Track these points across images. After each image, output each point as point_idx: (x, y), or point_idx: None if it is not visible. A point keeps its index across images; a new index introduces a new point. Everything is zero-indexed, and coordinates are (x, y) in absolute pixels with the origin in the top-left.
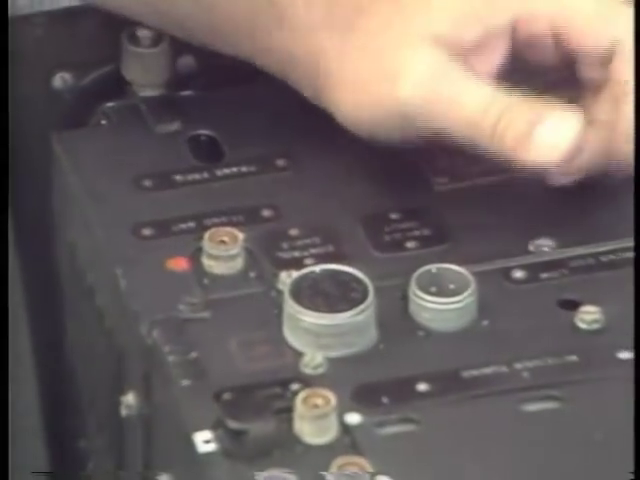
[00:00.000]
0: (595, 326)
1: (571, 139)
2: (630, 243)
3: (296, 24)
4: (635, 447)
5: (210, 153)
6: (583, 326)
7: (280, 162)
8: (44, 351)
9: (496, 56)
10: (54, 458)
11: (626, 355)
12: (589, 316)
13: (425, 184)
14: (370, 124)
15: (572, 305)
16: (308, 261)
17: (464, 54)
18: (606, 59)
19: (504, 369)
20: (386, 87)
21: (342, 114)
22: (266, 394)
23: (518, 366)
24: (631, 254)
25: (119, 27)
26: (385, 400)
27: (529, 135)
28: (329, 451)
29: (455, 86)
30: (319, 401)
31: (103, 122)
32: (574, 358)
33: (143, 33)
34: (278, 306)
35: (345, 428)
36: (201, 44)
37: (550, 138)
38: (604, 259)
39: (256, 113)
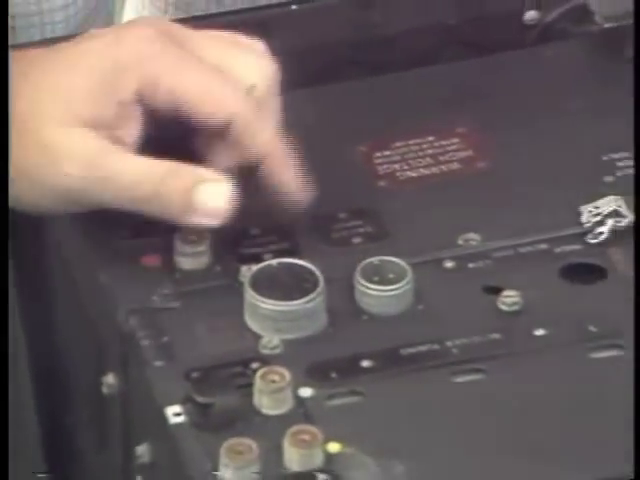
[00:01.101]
0: (514, 308)
1: (226, 202)
2: (543, 236)
3: None
4: (635, 445)
5: None
6: (504, 308)
7: None
8: (36, 337)
9: (135, 126)
10: (45, 431)
11: (541, 332)
12: (509, 299)
13: (368, 187)
14: (39, 203)
15: (495, 290)
16: (266, 256)
17: (109, 130)
18: (224, 132)
19: (436, 347)
20: (48, 170)
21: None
22: (229, 372)
23: (448, 344)
24: (545, 245)
25: None
26: (334, 375)
27: (189, 201)
28: (285, 421)
29: (107, 163)
30: (276, 377)
31: None
32: (497, 336)
33: None
34: (240, 296)
35: (299, 401)
36: None
37: (209, 202)
38: (522, 250)
39: None
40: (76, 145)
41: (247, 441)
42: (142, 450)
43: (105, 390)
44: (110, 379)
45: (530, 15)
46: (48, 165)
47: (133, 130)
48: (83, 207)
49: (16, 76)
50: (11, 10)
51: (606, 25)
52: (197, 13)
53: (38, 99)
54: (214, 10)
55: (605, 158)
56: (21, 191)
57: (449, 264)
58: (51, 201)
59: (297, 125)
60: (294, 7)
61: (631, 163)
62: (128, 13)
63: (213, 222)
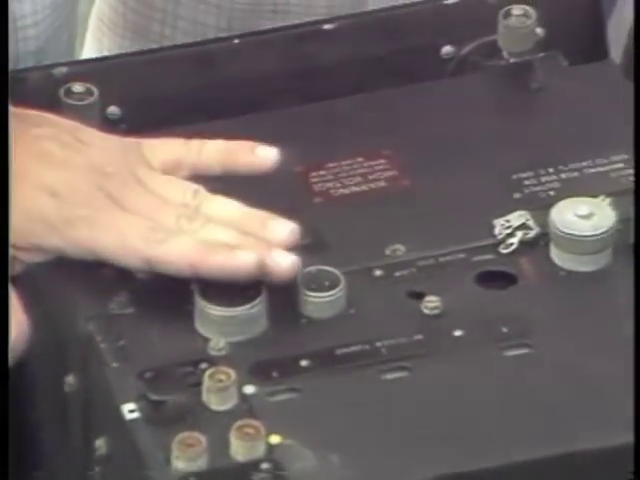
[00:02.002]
0: (435, 311)
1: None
2: (461, 247)
3: None
4: (635, 443)
5: None
6: (427, 312)
7: None
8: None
9: None
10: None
11: (459, 333)
12: (431, 304)
13: (305, 203)
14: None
15: (418, 296)
16: None
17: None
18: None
19: (367, 347)
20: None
21: None
22: (180, 372)
23: (378, 344)
24: (462, 255)
25: None
26: (275, 374)
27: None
28: (231, 416)
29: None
30: (222, 376)
31: None
32: (420, 337)
33: None
34: (190, 302)
35: (243, 397)
36: None
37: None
38: (442, 259)
39: None
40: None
41: (197, 435)
42: (100, 443)
43: (67, 389)
44: (71, 379)
45: (446, 50)
46: None
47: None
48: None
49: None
50: None
51: (512, 60)
52: (153, 37)
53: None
54: (168, 33)
55: (514, 177)
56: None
57: (378, 272)
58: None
59: None
60: (236, 41)
61: (535, 182)
62: (88, 40)
63: None
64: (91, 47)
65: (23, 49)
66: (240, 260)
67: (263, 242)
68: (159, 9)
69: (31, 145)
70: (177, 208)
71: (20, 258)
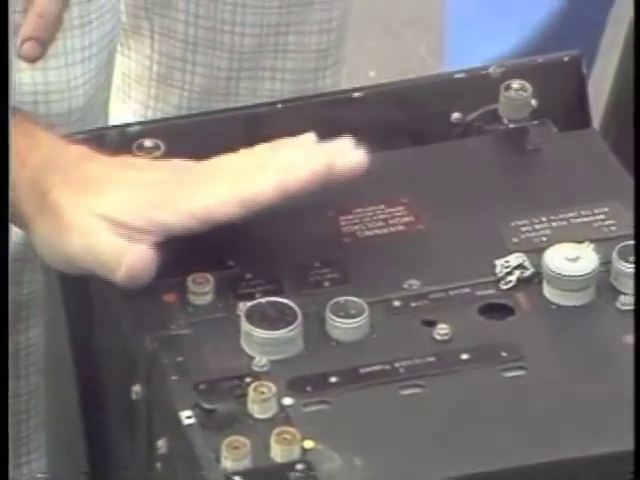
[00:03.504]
0: (445, 338)
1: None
2: (467, 282)
3: (12, 190)
4: (635, 443)
5: None
6: (438, 338)
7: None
8: (81, 354)
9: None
10: (87, 426)
11: (465, 356)
12: (442, 331)
13: (335, 242)
14: (59, 266)
15: (431, 324)
16: (258, 295)
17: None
18: None
19: (387, 367)
20: (60, 242)
21: (43, 258)
22: (229, 385)
23: (396, 365)
24: (468, 290)
25: None
26: (308, 388)
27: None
28: (271, 423)
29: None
30: (264, 389)
31: None
32: (432, 359)
33: None
34: (237, 326)
35: (282, 407)
36: None
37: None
38: (451, 293)
39: None
40: (85, 228)
41: (242, 439)
42: (161, 444)
43: (134, 396)
44: (138, 388)
45: (455, 116)
46: (62, 238)
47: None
48: (78, 269)
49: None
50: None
51: (511, 126)
52: (175, 84)
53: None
54: (188, 79)
55: (512, 224)
56: (39, 248)
57: (396, 303)
58: (58, 261)
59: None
60: (279, 106)
61: (530, 229)
62: (114, 92)
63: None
64: (118, 98)
65: (74, 105)
66: (314, 163)
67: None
68: (179, 59)
69: (123, 161)
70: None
71: (138, 239)
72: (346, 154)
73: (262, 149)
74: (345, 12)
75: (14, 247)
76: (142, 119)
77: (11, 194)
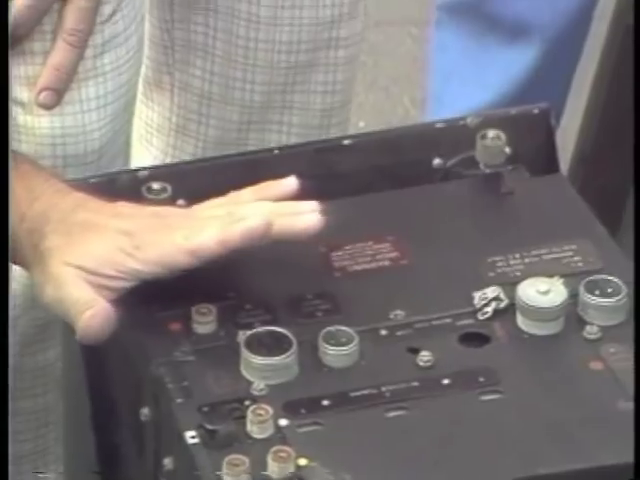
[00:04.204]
0: (428, 364)
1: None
2: (447, 313)
3: (13, 240)
4: (635, 447)
5: None
6: (421, 364)
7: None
8: (94, 377)
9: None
10: (99, 444)
11: (446, 381)
12: (425, 358)
13: (327, 276)
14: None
15: (414, 351)
16: (256, 325)
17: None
18: None
19: (374, 391)
20: (41, 291)
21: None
22: (229, 407)
23: (383, 389)
24: (449, 320)
25: None
26: (303, 411)
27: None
28: (268, 443)
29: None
30: (262, 412)
31: None
32: (416, 384)
33: None
34: (237, 353)
35: (278, 428)
36: None
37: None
38: (433, 323)
39: None
40: (61, 278)
41: (241, 457)
42: (167, 461)
43: (142, 418)
44: (146, 410)
45: (436, 162)
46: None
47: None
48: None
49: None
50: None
51: (487, 171)
52: (191, 134)
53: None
54: (203, 130)
55: (489, 260)
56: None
57: (383, 332)
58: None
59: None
60: (276, 152)
61: (505, 264)
62: (136, 139)
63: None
64: (140, 145)
65: (90, 148)
66: (256, 221)
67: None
68: (195, 111)
69: (111, 209)
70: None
71: (110, 286)
72: (300, 216)
73: (228, 199)
74: (350, 76)
75: None
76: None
77: (12, 243)
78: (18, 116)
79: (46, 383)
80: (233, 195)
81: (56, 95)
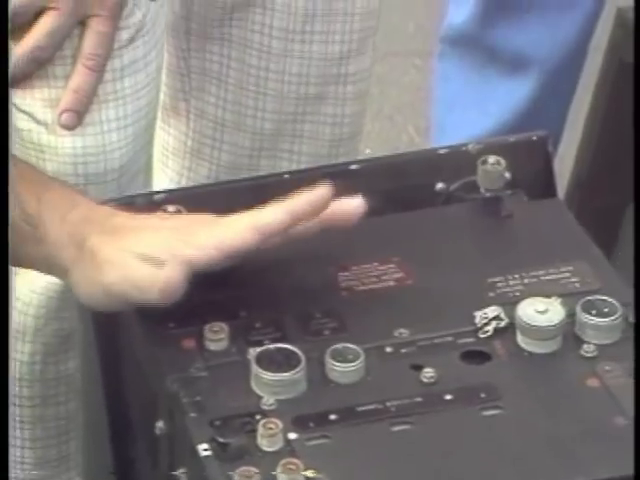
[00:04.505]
0: (431, 380)
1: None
2: (450, 331)
3: (52, 243)
4: (635, 445)
5: None
6: (425, 380)
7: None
8: (111, 391)
9: None
10: (116, 454)
11: (449, 397)
12: (428, 374)
13: (334, 295)
14: (96, 300)
15: (418, 368)
16: (266, 342)
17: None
18: None
19: (380, 406)
20: (98, 277)
21: (81, 297)
22: (240, 421)
23: (388, 404)
24: (451, 338)
25: None
26: (311, 424)
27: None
28: (278, 455)
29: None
30: (272, 425)
31: None
32: (420, 399)
33: None
34: (248, 369)
35: (287, 441)
36: None
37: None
38: (436, 341)
39: None
40: (119, 265)
41: (252, 469)
42: (181, 472)
43: (157, 431)
44: (161, 424)
45: (439, 186)
46: (100, 275)
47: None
48: (115, 300)
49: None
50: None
51: (487, 195)
52: (205, 157)
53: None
54: (216, 155)
55: (489, 281)
56: (77, 288)
57: (388, 349)
58: (95, 295)
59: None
60: (286, 176)
61: (505, 285)
62: (155, 162)
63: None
64: (158, 167)
65: (109, 167)
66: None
67: None
68: (209, 136)
69: (146, 215)
70: None
71: None
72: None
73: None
74: (359, 110)
75: (55, 286)
76: (177, 186)
77: (49, 248)
78: (42, 136)
79: (68, 392)
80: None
81: (76, 116)
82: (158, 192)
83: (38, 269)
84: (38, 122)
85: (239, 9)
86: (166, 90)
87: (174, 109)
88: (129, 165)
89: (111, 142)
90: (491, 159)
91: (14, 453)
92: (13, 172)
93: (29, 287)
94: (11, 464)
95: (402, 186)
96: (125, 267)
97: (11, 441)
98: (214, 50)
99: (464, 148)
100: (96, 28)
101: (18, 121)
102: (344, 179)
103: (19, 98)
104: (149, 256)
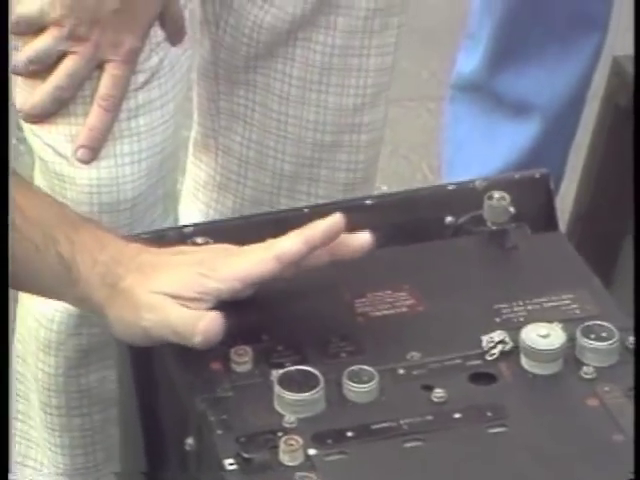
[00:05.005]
0: (442, 400)
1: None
2: (458, 354)
3: (85, 284)
4: (635, 448)
5: None
6: (435, 400)
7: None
8: (146, 409)
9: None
10: (150, 469)
11: (458, 415)
12: (438, 394)
13: (351, 321)
14: (133, 339)
15: (429, 388)
16: (287, 364)
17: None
18: None
19: (393, 424)
20: (135, 319)
21: (118, 335)
22: (264, 438)
23: (401, 422)
24: (460, 360)
25: None
26: (329, 441)
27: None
28: (298, 469)
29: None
30: (293, 442)
31: None
32: (430, 417)
33: None
34: (271, 389)
35: (307, 457)
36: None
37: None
38: (446, 363)
39: None
40: (154, 306)
41: None
42: None
43: (187, 447)
44: (190, 440)
45: (448, 219)
46: (137, 316)
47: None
48: (155, 341)
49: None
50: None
51: (493, 228)
52: (231, 191)
53: (138, 277)
54: (241, 189)
55: (495, 307)
56: (115, 327)
57: (401, 371)
58: (134, 336)
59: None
60: (306, 210)
61: (510, 311)
62: (185, 194)
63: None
64: (188, 199)
65: (122, 197)
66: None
67: None
68: (235, 172)
69: (171, 250)
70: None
71: (192, 307)
72: (356, 236)
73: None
74: (372, 156)
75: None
76: (205, 217)
77: (83, 289)
78: (63, 167)
79: (91, 404)
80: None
81: (91, 152)
82: (187, 226)
83: (76, 307)
84: (60, 155)
85: (262, 58)
86: (197, 128)
87: (205, 146)
88: (143, 196)
89: (124, 175)
90: (496, 194)
91: (52, 457)
92: (13, 181)
93: (52, 305)
94: (46, 466)
95: (414, 219)
96: (159, 310)
97: (46, 445)
98: (240, 94)
99: (471, 184)
100: (111, 71)
101: (43, 153)
102: (360, 213)
103: (45, 132)
104: (177, 296)
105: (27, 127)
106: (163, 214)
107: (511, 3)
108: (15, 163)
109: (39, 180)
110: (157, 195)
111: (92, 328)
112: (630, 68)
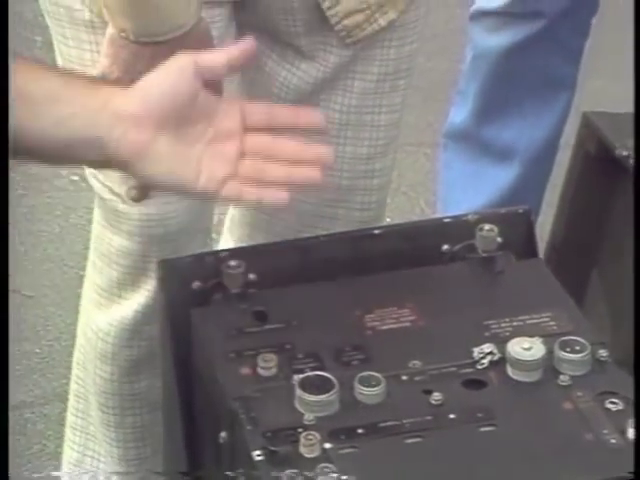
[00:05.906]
0: (439, 402)
1: None
2: (453, 363)
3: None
4: (635, 449)
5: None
6: (434, 402)
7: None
8: (186, 411)
9: None
10: (189, 460)
11: (452, 416)
12: (436, 398)
13: (361, 333)
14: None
15: (428, 392)
16: (307, 370)
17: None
18: None
19: (397, 422)
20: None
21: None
22: (287, 433)
23: (404, 421)
24: (454, 368)
25: None
26: (342, 437)
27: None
28: (316, 461)
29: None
30: (311, 437)
31: None
32: (429, 417)
33: None
34: (293, 392)
35: (323, 450)
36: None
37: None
38: (443, 370)
39: None
40: None
41: (295, 471)
42: (239, 473)
43: (221, 440)
44: (223, 434)
45: (444, 247)
46: None
47: None
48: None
49: None
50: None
51: (483, 255)
52: (261, 225)
53: None
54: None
55: (485, 323)
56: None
57: (404, 377)
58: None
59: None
60: (322, 238)
61: (498, 326)
62: (226, 227)
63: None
64: (228, 230)
65: (167, 230)
66: None
67: None
68: (265, 212)
69: None
70: None
71: None
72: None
73: None
74: (382, 198)
75: (127, 320)
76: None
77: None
78: (118, 204)
79: (142, 406)
80: None
81: (141, 192)
82: (223, 251)
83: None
84: (115, 194)
85: None
86: None
87: None
88: (186, 230)
89: (168, 211)
90: (486, 227)
91: (108, 449)
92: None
93: (108, 321)
94: (103, 456)
95: (415, 247)
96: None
97: (103, 438)
98: None
99: (465, 218)
100: None
101: (102, 192)
102: (369, 241)
103: (104, 175)
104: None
105: (88, 170)
106: (204, 243)
107: (493, 67)
108: (77, 198)
109: (97, 213)
110: (198, 227)
111: (142, 341)
112: (597, 122)
